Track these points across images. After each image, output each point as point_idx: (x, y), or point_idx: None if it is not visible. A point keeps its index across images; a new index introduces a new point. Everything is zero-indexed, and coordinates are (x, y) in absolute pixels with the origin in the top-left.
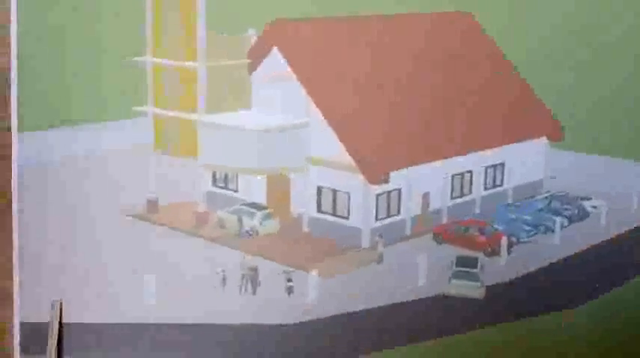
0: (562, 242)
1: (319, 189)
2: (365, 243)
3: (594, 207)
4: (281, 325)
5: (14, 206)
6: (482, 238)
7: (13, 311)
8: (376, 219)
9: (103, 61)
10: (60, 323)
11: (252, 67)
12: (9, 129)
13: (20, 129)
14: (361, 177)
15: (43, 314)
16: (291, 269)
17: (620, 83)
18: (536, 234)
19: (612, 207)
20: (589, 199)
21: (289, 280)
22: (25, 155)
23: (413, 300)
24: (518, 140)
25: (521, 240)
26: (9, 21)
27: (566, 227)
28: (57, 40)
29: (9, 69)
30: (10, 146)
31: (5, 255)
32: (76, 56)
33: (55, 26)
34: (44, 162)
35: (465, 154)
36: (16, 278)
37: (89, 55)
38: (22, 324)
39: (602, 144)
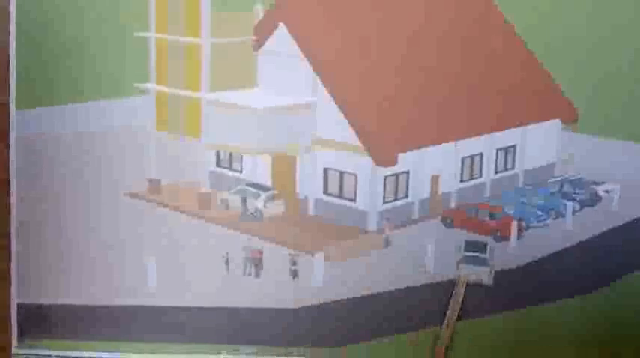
0: (573, 227)
1: (326, 171)
2: (372, 226)
3: (607, 191)
4: (285, 309)
5: (12, 184)
6: (492, 222)
7: (11, 292)
8: (384, 201)
9: (105, 37)
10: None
11: (258, 44)
12: (7, 105)
13: (19, 106)
14: (369, 158)
15: (41, 297)
16: (295, 252)
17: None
18: (547, 218)
19: (625, 192)
20: (602, 183)
21: (294, 263)
22: (23, 133)
23: (420, 285)
24: (531, 122)
25: (532, 224)
26: None
27: (578, 211)
28: (57, 16)
29: (8, 45)
30: (8, 123)
31: (2, 235)
32: (77, 33)
33: (55, 2)
34: (43, 140)
35: (476, 136)
36: (13, 260)
37: (91, 31)
38: (19, 306)
39: (616, 128)
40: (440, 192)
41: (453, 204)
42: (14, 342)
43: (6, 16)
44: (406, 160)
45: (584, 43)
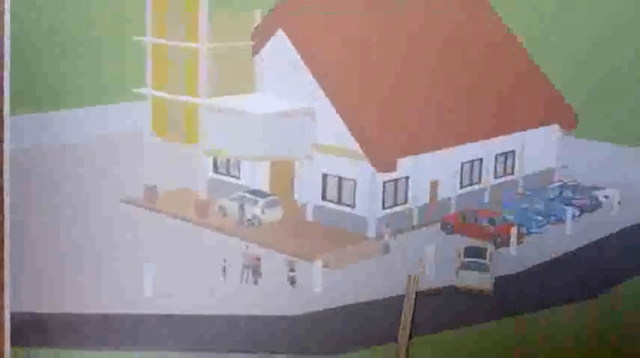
0: (573, 232)
1: (324, 177)
2: (371, 232)
3: (606, 196)
4: (283, 316)
5: (6, 191)
6: (492, 228)
7: (4, 301)
8: (383, 207)
9: (101, 41)
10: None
11: (256, 49)
12: (1, 113)
13: (13, 113)
14: (368, 164)
15: (35, 305)
16: (294, 259)
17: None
18: (547, 224)
19: (625, 197)
20: (602, 189)
21: (292, 270)
22: (18, 140)
23: (419, 292)
24: (530, 127)
25: (532, 230)
26: (2, 3)
27: (577, 217)
28: (52, 20)
29: (2, 51)
30: (2, 130)
31: None
32: (72, 37)
33: (50, 6)
34: (38, 147)
35: (475, 141)
36: (7, 268)
37: (86, 35)
38: (13, 315)
39: (616, 133)
40: (440, 198)
41: (452, 210)
42: (7, 350)
43: (0, 24)
44: (405, 166)
45: (583, 48)
